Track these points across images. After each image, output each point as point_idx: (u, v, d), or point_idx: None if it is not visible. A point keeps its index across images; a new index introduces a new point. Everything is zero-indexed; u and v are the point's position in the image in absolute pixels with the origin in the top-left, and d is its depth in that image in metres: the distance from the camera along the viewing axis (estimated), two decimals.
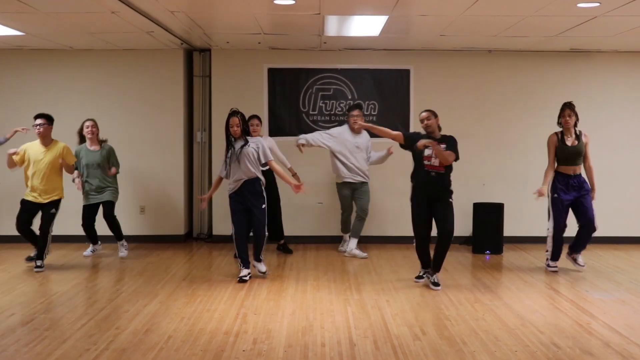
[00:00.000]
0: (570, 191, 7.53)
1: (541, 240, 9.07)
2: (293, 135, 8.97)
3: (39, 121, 7.59)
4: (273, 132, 9.45)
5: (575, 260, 7.74)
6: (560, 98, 9.35)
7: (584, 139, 7.59)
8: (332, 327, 5.48)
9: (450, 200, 6.83)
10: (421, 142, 6.69)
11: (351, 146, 8.45)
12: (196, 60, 9.76)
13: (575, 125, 7.58)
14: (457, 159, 6.79)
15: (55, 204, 7.64)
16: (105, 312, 5.88)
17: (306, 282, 7.11)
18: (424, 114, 6.87)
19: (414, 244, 7.05)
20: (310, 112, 9.49)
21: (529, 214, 9.18)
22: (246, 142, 7.12)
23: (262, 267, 7.35)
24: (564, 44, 8.77)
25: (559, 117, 7.63)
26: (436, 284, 6.85)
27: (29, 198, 7.61)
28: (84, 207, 8.19)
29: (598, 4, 6.35)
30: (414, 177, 6.98)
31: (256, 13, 7.01)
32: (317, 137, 8.54)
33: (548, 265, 7.73)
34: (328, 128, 8.98)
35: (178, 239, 9.49)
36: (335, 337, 5.20)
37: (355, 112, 8.49)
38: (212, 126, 9.61)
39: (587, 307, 6.12)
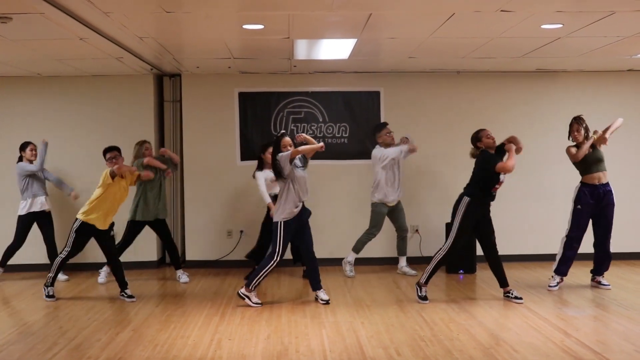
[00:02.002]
0: (594, 201, 7.56)
1: (514, 258, 9.19)
2: None
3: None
4: (245, 156, 9.47)
5: (599, 283, 7.77)
6: (528, 117, 9.57)
7: (596, 142, 7.61)
8: (307, 350, 5.45)
9: None
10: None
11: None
12: (166, 86, 9.74)
13: (587, 137, 7.58)
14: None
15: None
16: (77, 342, 5.79)
17: (281, 306, 7.07)
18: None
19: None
20: None
21: (501, 233, 9.21)
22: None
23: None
24: (530, 64, 8.92)
25: (570, 132, 7.69)
26: (519, 297, 7.13)
27: None
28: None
29: (561, 25, 6.48)
30: (474, 193, 7.09)
31: (226, 38, 7.03)
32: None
33: (549, 285, 7.69)
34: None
35: (151, 265, 9.40)
36: None
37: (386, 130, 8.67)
38: (183, 151, 9.57)
39: (560, 325, 6.17)
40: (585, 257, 8.01)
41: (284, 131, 7.34)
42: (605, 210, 7.61)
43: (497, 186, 7.07)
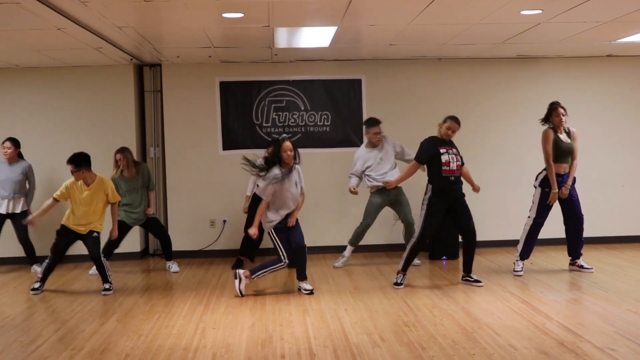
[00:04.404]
0: (559, 188, 7.66)
1: (495, 244, 9.27)
2: (246, 148, 8.95)
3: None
4: (227, 146, 9.45)
5: (581, 267, 7.82)
6: (510, 104, 9.63)
7: (574, 136, 7.71)
8: (291, 338, 5.47)
9: (465, 199, 7.26)
10: None
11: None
12: (147, 76, 9.68)
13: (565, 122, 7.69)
14: None
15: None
16: (61, 333, 5.77)
17: (265, 295, 7.09)
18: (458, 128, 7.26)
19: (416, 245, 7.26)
20: (264, 125, 9.49)
21: (482, 219, 9.30)
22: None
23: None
24: (511, 50, 8.96)
25: (549, 115, 7.66)
26: (478, 281, 7.28)
27: None
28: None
29: (540, 11, 6.51)
30: (432, 183, 7.18)
31: (205, 27, 7.00)
32: (357, 170, 8.36)
33: (514, 270, 7.78)
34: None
35: (135, 256, 9.37)
36: (295, 348, 5.20)
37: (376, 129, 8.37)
38: (165, 141, 9.53)
39: (541, 308, 6.23)
40: (564, 242, 8.07)
41: (285, 135, 7.33)
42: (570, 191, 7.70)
43: (445, 168, 7.09)
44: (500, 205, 9.58)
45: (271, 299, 6.90)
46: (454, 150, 7.23)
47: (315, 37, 7.74)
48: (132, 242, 9.28)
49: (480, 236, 9.43)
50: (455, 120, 7.23)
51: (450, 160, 7.10)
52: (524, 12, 6.57)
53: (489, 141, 9.56)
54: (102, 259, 7.41)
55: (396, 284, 7.25)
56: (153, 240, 9.75)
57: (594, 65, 9.74)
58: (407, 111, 9.57)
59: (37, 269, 8.47)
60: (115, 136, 9.20)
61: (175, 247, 9.24)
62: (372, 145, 8.38)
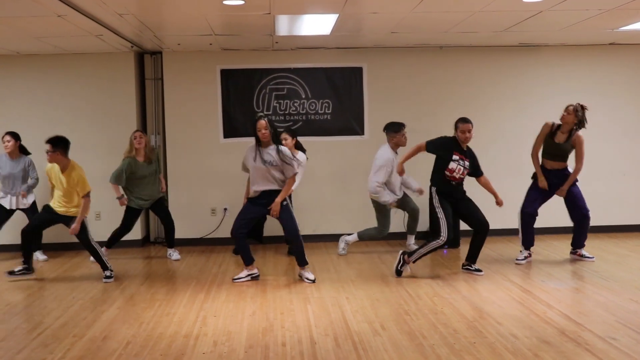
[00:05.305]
0: (551, 182, 7.66)
1: (497, 232, 9.25)
2: (248, 136, 8.89)
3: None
4: (228, 134, 9.43)
5: (582, 256, 7.85)
6: (511, 92, 9.61)
7: (574, 140, 7.55)
8: (292, 326, 5.48)
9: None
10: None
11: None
12: (147, 63, 9.64)
13: (579, 126, 7.53)
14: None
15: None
16: (62, 320, 5.78)
17: (265, 282, 7.09)
18: (470, 126, 7.15)
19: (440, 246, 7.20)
20: (265, 112, 9.46)
21: (484, 207, 9.26)
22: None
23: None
24: (513, 38, 8.92)
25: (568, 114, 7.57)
26: (479, 270, 7.31)
27: None
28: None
29: None
30: (435, 181, 7.21)
31: (206, 14, 6.96)
32: (382, 180, 8.22)
33: (516, 258, 7.82)
34: (283, 128, 8.97)
35: (136, 244, 9.37)
36: (296, 336, 5.20)
37: (403, 130, 8.30)
38: (165, 129, 9.51)
39: (542, 297, 6.24)
40: (566, 230, 8.07)
41: (261, 114, 7.31)
42: (570, 189, 7.68)
43: (446, 173, 7.09)
44: (501, 194, 9.54)
45: (272, 286, 6.90)
46: (466, 162, 7.14)
47: (317, 24, 7.71)
48: (133, 230, 9.25)
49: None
50: (464, 120, 7.15)
51: (457, 170, 7.09)
52: (525, 0, 6.53)
53: (489, 129, 9.52)
54: (93, 243, 7.32)
55: (399, 272, 7.22)
56: (154, 228, 9.76)
57: (597, 54, 9.70)
58: (409, 99, 9.54)
59: (40, 257, 8.50)
60: (116, 124, 9.19)
61: (177, 234, 9.23)
62: (396, 146, 8.33)
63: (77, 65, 9.24)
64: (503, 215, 9.46)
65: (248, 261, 7.19)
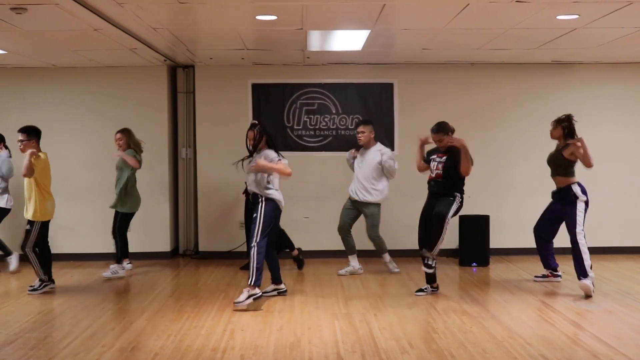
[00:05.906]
0: (555, 200, 7.52)
1: (527, 252, 9.13)
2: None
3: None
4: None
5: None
6: (543, 110, 9.49)
7: (570, 147, 7.20)
8: (319, 342, 5.46)
9: (450, 198, 6.93)
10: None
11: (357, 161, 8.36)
12: (180, 77, 9.75)
13: (567, 136, 7.32)
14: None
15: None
16: (91, 330, 5.82)
17: (293, 298, 7.08)
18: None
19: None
20: (295, 127, 9.50)
21: (514, 226, 9.22)
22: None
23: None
24: (546, 56, 8.85)
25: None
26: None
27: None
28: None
29: (577, 16, 6.42)
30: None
31: (239, 29, 7.03)
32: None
33: (535, 276, 7.78)
34: (313, 143, 9.00)
35: (165, 256, 9.43)
36: (323, 352, 5.18)
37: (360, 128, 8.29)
38: (196, 142, 9.59)
39: (574, 319, 6.14)
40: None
41: (254, 122, 7.25)
42: (564, 212, 7.27)
43: (429, 173, 7.11)
44: (531, 211, 9.44)
45: (299, 301, 6.89)
46: (443, 157, 6.97)
47: (348, 40, 7.73)
48: (162, 241, 9.36)
49: (511, 244, 9.40)
50: (431, 130, 7.08)
51: (432, 167, 7.05)
52: (560, 17, 6.49)
53: (520, 146, 9.44)
54: (27, 250, 7.21)
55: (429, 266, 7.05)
56: (183, 240, 9.82)
57: (633, 72, 9.57)
58: (439, 116, 9.34)
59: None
60: (148, 136, 9.25)
61: (205, 247, 9.30)
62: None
63: (111, 78, 9.37)
64: (520, 234, 9.27)
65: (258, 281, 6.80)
